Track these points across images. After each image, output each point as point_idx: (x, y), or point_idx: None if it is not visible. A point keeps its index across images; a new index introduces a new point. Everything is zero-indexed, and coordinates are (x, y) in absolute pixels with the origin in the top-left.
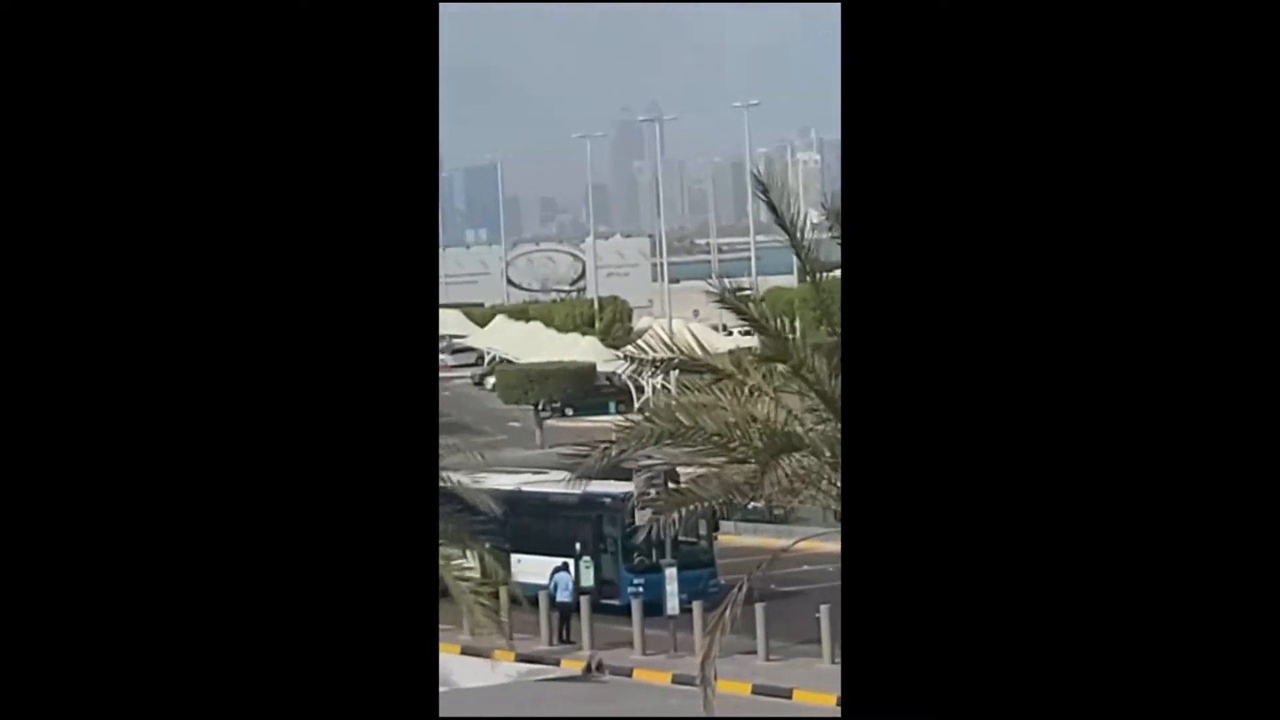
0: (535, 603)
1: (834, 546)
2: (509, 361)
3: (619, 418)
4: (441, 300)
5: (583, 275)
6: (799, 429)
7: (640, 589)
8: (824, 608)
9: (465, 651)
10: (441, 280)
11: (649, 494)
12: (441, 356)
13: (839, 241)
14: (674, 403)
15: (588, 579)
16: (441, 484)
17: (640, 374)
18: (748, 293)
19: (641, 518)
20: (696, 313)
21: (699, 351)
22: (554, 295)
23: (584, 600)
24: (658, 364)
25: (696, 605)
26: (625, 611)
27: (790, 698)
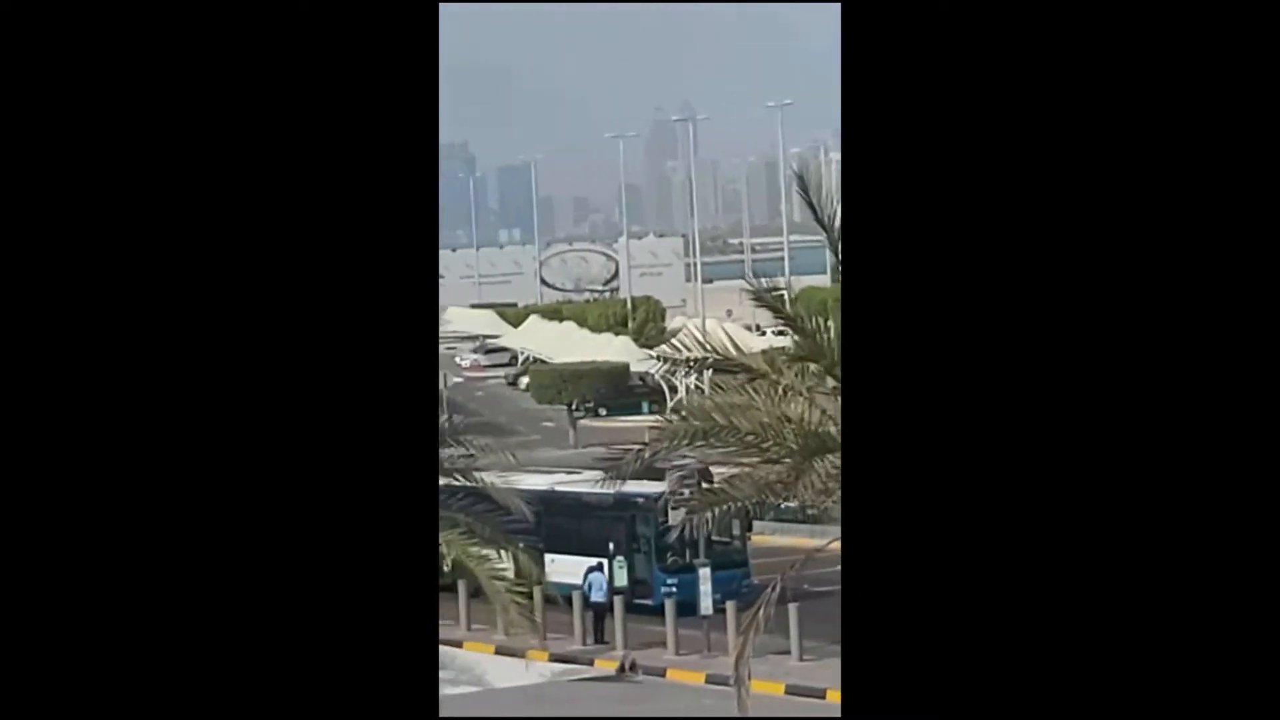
0: (569, 602)
1: None
2: (542, 361)
3: (652, 418)
4: (475, 300)
5: (616, 275)
6: (833, 429)
7: (674, 589)
8: None
9: (499, 651)
10: (475, 280)
11: (682, 494)
12: (475, 356)
13: None
14: (708, 402)
15: (621, 579)
16: (475, 484)
17: (674, 374)
18: (782, 292)
19: (675, 517)
20: (730, 312)
21: (733, 351)
22: (587, 295)
23: (617, 600)
24: (691, 364)
25: (730, 605)
26: (659, 611)
27: (824, 698)
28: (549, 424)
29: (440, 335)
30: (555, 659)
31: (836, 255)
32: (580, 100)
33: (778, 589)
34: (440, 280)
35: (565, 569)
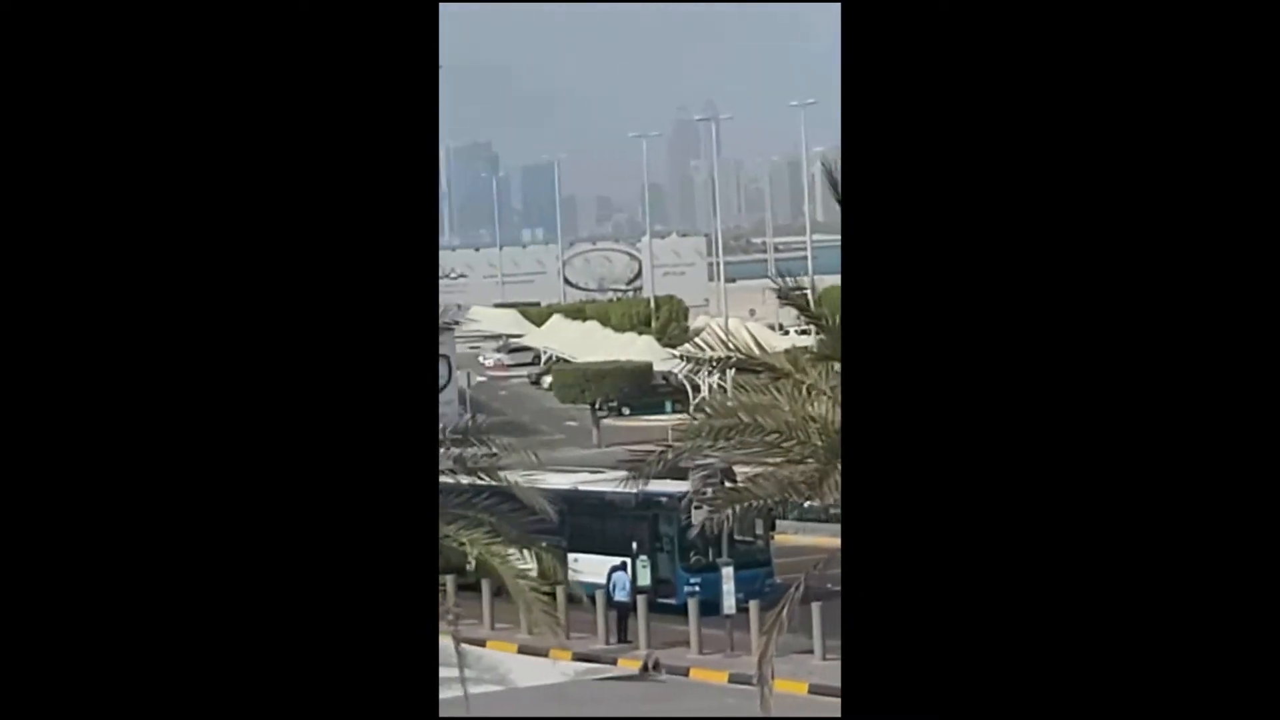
0: (593, 602)
1: None
2: (566, 361)
3: (676, 417)
4: (499, 299)
5: (639, 274)
6: None
7: (697, 588)
8: None
9: (522, 650)
10: (498, 279)
11: (705, 492)
12: (498, 355)
13: None
14: (731, 401)
15: (644, 578)
16: (498, 483)
17: (697, 373)
18: (805, 291)
19: (698, 517)
20: (753, 312)
21: (756, 350)
22: (610, 294)
23: (641, 599)
24: (715, 363)
25: (753, 604)
26: (682, 611)
27: None
28: (572, 423)
29: (464, 334)
30: (578, 658)
31: None
32: (603, 100)
33: (801, 588)
34: (464, 279)
35: (589, 568)
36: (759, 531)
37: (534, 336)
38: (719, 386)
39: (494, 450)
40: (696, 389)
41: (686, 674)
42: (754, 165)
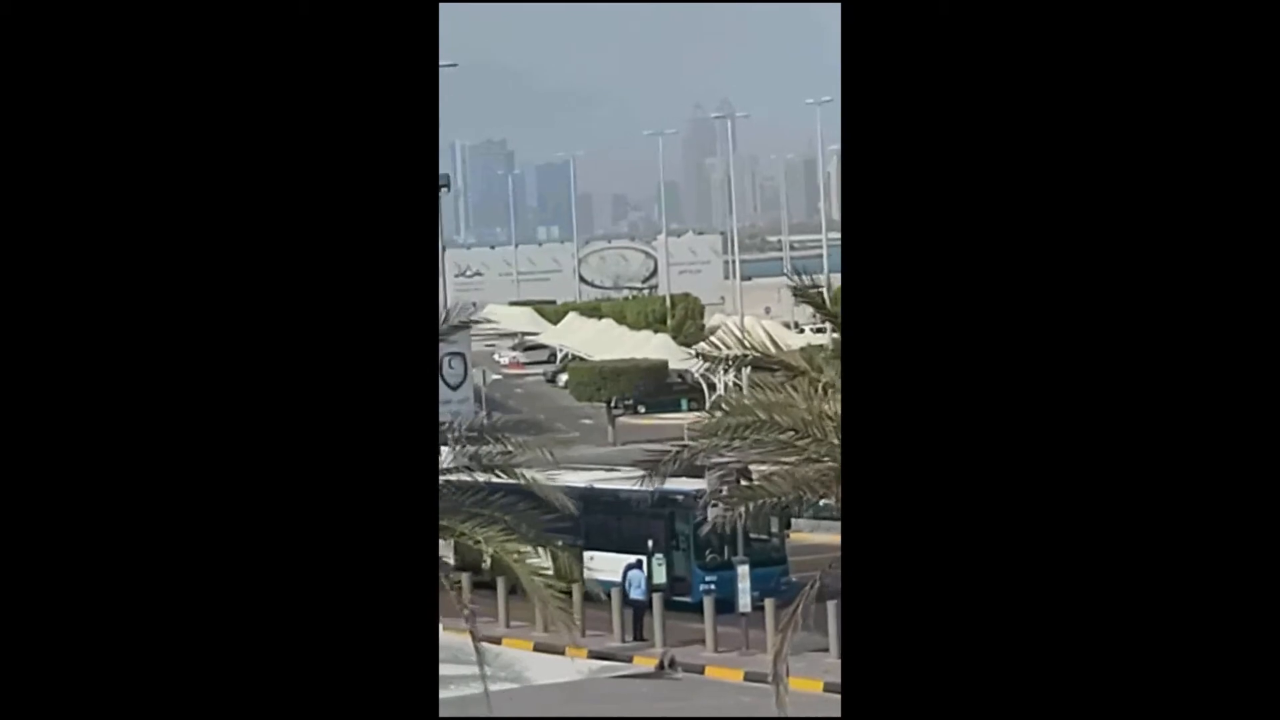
0: (608, 599)
1: None
2: (581, 359)
3: (691, 415)
4: (514, 297)
5: (655, 272)
6: None
7: (712, 586)
8: None
9: (538, 648)
10: (514, 277)
11: (721, 491)
12: (513, 353)
13: None
14: (748, 399)
15: (660, 576)
16: (513, 481)
17: (713, 371)
18: (820, 289)
19: (713, 514)
20: (768, 310)
21: (772, 348)
22: (626, 292)
23: (656, 597)
24: (731, 361)
25: (768, 603)
26: (697, 609)
27: None
28: (587, 421)
29: (479, 332)
30: (594, 656)
31: None
32: (619, 99)
33: (816, 586)
34: (479, 277)
35: (604, 566)
36: (774, 530)
37: (549, 334)
38: (734, 385)
39: (509, 448)
40: (712, 387)
41: (702, 672)
42: (770, 163)
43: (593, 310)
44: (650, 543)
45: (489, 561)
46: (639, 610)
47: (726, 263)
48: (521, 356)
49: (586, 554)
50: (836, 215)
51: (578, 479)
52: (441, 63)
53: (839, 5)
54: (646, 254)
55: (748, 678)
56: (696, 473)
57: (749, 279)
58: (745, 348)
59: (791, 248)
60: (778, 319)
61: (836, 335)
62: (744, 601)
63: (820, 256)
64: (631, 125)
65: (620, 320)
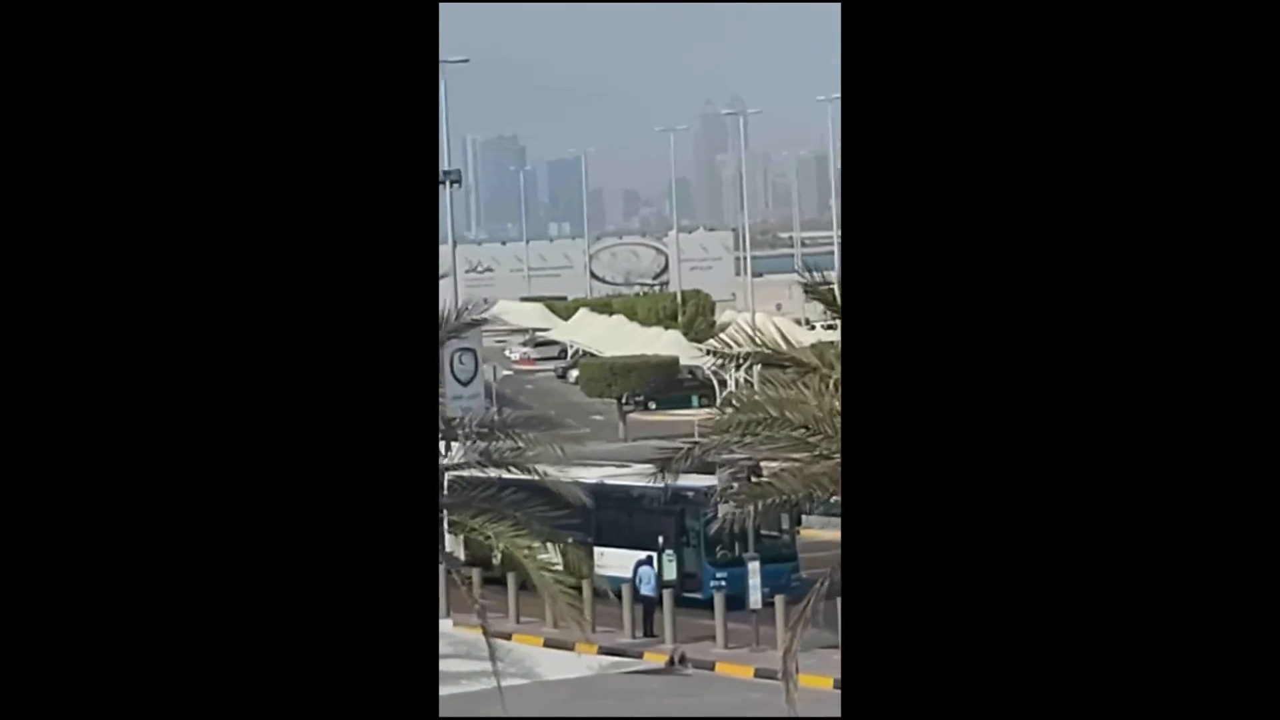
0: (618, 596)
1: None
2: (592, 355)
3: (702, 411)
4: (525, 293)
5: (666, 269)
6: None
7: (723, 582)
8: None
9: (548, 644)
10: (525, 273)
11: (731, 488)
12: (524, 349)
13: None
14: (758, 396)
15: (670, 572)
16: (524, 476)
17: (724, 368)
18: (832, 286)
19: (724, 511)
20: (779, 306)
21: (783, 345)
22: (637, 288)
23: (667, 593)
24: (743, 358)
25: (779, 599)
26: (708, 605)
27: None
28: (598, 417)
29: (490, 328)
30: (604, 652)
31: None
32: (631, 95)
33: (826, 583)
34: (490, 273)
35: (614, 562)
36: (785, 526)
37: (560, 330)
38: (746, 381)
39: (520, 444)
40: (723, 383)
41: (712, 668)
42: (781, 160)
43: (604, 306)
44: (661, 539)
45: (499, 557)
46: (649, 606)
47: (738, 259)
48: (532, 352)
49: (597, 550)
50: None
51: (588, 475)
52: (453, 58)
53: (839, 5)
54: (658, 250)
55: (758, 674)
56: (708, 469)
57: (760, 275)
58: (756, 345)
59: (803, 244)
60: (789, 315)
61: None
62: (754, 598)
63: (832, 253)
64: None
65: (631, 316)
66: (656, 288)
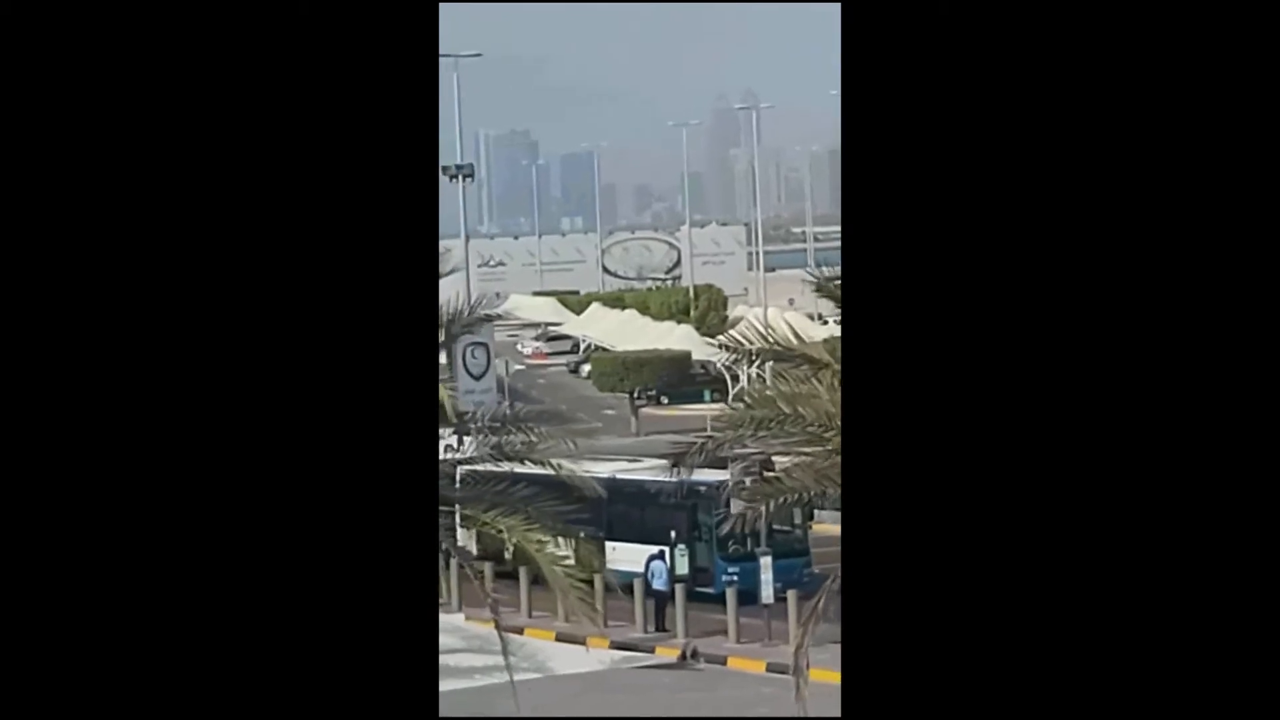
0: (630, 590)
1: None
2: (604, 349)
3: (715, 406)
4: (538, 288)
5: (678, 263)
6: None
7: (735, 577)
8: None
9: (560, 638)
10: (537, 268)
11: (743, 483)
12: (537, 344)
13: None
14: (770, 391)
15: (682, 567)
16: (536, 470)
17: (737, 363)
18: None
19: (736, 506)
20: (792, 301)
21: (794, 341)
22: (649, 283)
23: (679, 588)
24: (755, 354)
25: (791, 594)
26: (720, 599)
27: None
28: (610, 412)
29: (502, 323)
30: (616, 646)
31: None
32: (643, 91)
33: (838, 578)
34: (502, 267)
35: (627, 556)
36: (797, 521)
37: (573, 325)
38: (758, 376)
39: (532, 438)
40: (735, 378)
41: (724, 663)
42: (794, 154)
43: (616, 301)
44: (673, 533)
45: (511, 551)
46: (661, 601)
47: (750, 254)
48: (544, 347)
49: (609, 545)
50: None
51: (600, 469)
52: (465, 52)
53: (839, 5)
54: (670, 245)
55: (770, 669)
56: (720, 464)
57: (773, 270)
58: (767, 342)
59: (816, 239)
60: (802, 310)
61: None
62: (766, 593)
63: None
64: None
65: (643, 311)
66: (669, 282)
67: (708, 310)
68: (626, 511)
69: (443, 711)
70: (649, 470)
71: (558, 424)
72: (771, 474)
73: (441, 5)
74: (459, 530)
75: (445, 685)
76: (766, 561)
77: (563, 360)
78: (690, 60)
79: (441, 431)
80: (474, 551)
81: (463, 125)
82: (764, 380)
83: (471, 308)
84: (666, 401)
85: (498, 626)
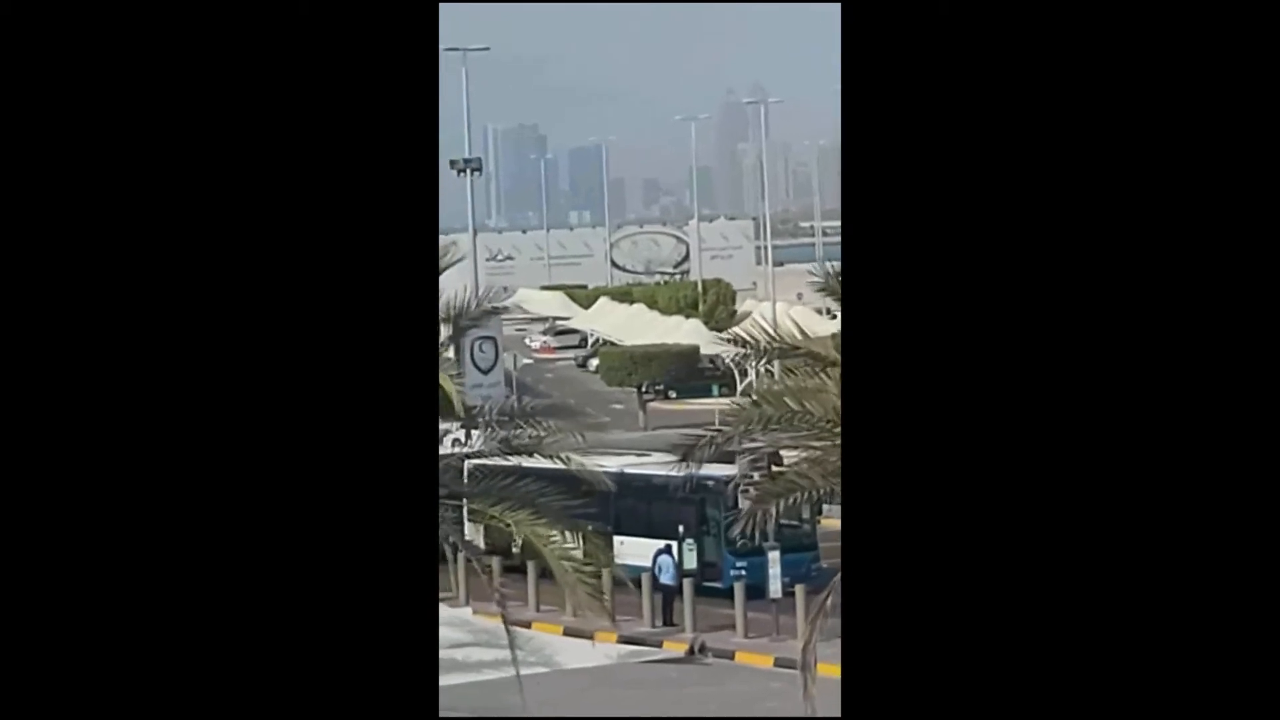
0: (638, 584)
1: None
2: (612, 343)
3: (723, 400)
4: (545, 281)
5: (686, 257)
6: None
7: (743, 572)
8: None
9: (568, 632)
10: (545, 262)
11: (751, 476)
12: (544, 338)
13: None
14: (779, 386)
15: (690, 561)
16: (545, 465)
17: (745, 358)
18: None
19: (744, 503)
20: (800, 296)
21: (800, 338)
22: (658, 277)
23: (686, 582)
24: (762, 352)
25: (799, 589)
26: (728, 594)
27: None
28: (618, 406)
29: (510, 317)
30: (624, 640)
31: None
32: (651, 86)
33: None
34: (510, 261)
35: (634, 551)
36: (805, 516)
37: (581, 319)
38: (766, 371)
39: (540, 432)
40: (744, 373)
41: (732, 657)
42: (802, 149)
43: (624, 295)
44: (681, 528)
45: (519, 545)
46: (669, 595)
47: (759, 248)
48: (552, 341)
49: (616, 539)
50: None
51: (609, 463)
52: (474, 46)
53: (838, 4)
54: (678, 239)
55: (778, 663)
56: (728, 458)
57: (781, 264)
58: (774, 339)
59: (824, 233)
60: (810, 305)
61: None
62: (774, 587)
63: None
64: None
65: (652, 305)
66: (677, 276)
67: (716, 305)
68: (634, 506)
69: (451, 705)
70: (657, 465)
71: (566, 418)
72: (780, 469)
73: (448, 4)
74: (467, 524)
75: (453, 679)
76: (775, 556)
77: (570, 354)
78: (697, 56)
79: (450, 425)
80: (482, 546)
81: (471, 119)
82: (772, 375)
83: (479, 301)
84: (674, 396)
85: (505, 621)
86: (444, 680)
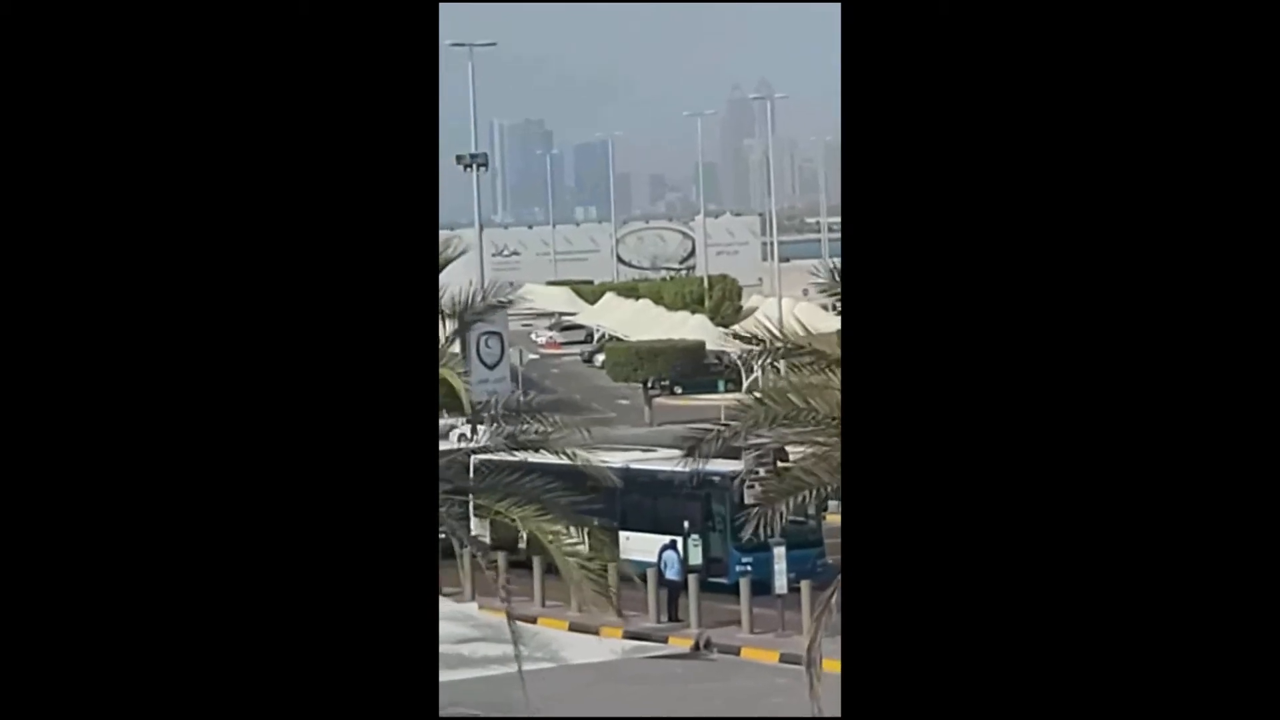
0: (643, 580)
1: None
2: (618, 339)
3: (729, 396)
4: (551, 277)
5: (692, 253)
6: None
7: (748, 567)
8: None
9: (573, 628)
10: (551, 257)
11: (757, 472)
12: (550, 333)
13: None
14: (784, 382)
15: (696, 557)
16: (551, 460)
17: (751, 354)
18: None
19: (750, 496)
20: (806, 292)
21: (801, 332)
22: (663, 273)
23: (692, 578)
24: (767, 350)
25: (804, 584)
26: (733, 590)
27: None
28: (624, 402)
29: (516, 312)
30: (629, 636)
31: None
32: (658, 82)
33: None
34: (517, 257)
35: (640, 546)
36: (811, 511)
37: (587, 314)
38: (772, 366)
39: (546, 427)
40: (750, 369)
41: (737, 653)
42: (809, 144)
43: (630, 290)
44: (686, 524)
45: (525, 540)
46: (674, 591)
47: (765, 244)
48: (558, 336)
49: (622, 534)
50: None
51: (614, 459)
52: (481, 41)
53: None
54: (684, 235)
55: (783, 659)
56: (734, 454)
57: (787, 260)
58: (779, 337)
59: (830, 229)
60: (815, 301)
61: None
62: (780, 583)
63: None
64: (670, 106)
65: (657, 301)
66: (683, 272)
67: (722, 300)
68: (640, 501)
69: (456, 700)
70: (663, 460)
71: (572, 413)
72: (785, 464)
73: (452, 2)
74: (472, 519)
75: (458, 674)
76: (780, 552)
77: (577, 350)
78: (703, 52)
79: (456, 420)
80: (488, 541)
81: (477, 115)
82: (778, 371)
83: (485, 296)
84: (680, 392)
85: (509, 616)
86: (449, 675)
